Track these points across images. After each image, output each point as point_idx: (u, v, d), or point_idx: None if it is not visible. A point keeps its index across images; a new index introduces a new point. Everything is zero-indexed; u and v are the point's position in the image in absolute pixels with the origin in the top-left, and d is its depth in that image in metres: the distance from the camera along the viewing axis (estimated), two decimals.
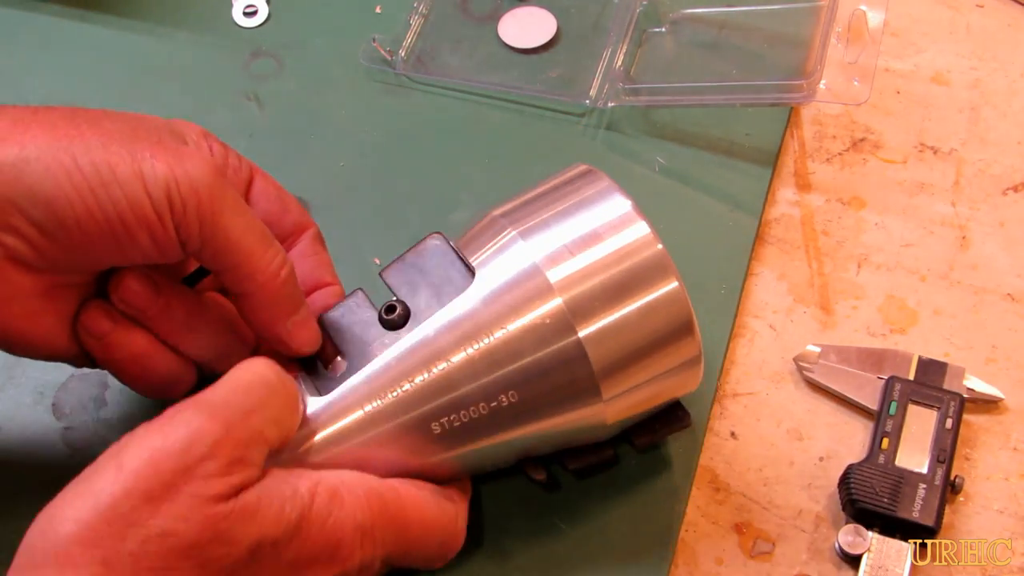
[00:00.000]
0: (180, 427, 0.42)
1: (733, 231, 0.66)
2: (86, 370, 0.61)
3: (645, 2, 0.73)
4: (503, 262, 0.51)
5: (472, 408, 0.49)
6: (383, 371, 0.50)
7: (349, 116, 0.72)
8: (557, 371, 0.50)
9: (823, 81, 0.65)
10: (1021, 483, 0.58)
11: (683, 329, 0.51)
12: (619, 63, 0.71)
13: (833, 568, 0.56)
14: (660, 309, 0.50)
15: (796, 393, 0.61)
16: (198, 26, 0.75)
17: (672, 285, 0.50)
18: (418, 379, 0.49)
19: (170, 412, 0.43)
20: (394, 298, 0.52)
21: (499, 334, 0.49)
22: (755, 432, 0.60)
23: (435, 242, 0.53)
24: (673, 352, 0.51)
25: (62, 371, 0.61)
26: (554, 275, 0.50)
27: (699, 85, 0.69)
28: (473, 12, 0.75)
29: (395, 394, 0.49)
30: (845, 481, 0.56)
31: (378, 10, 0.75)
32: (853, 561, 0.55)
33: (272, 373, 0.46)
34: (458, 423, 0.49)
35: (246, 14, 0.76)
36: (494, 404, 0.49)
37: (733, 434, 0.60)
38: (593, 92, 0.70)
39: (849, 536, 0.55)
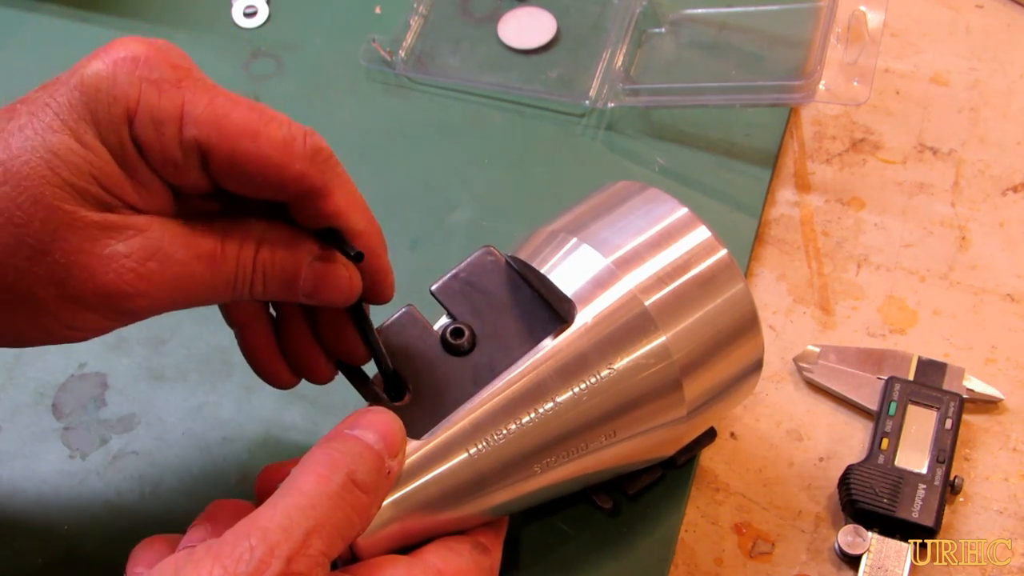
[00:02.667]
0: (241, 559, 0.41)
1: (733, 231, 0.66)
2: (86, 370, 0.61)
3: (644, 3, 0.73)
4: (601, 295, 0.49)
5: (572, 447, 0.48)
6: (488, 410, 0.47)
7: (349, 116, 0.72)
8: (651, 404, 0.49)
9: (823, 82, 0.65)
10: (1021, 483, 0.58)
11: (755, 365, 0.53)
12: (619, 63, 0.71)
13: (833, 568, 0.56)
14: (742, 347, 0.52)
15: (796, 393, 0.61)
16: (198, 26, 0.75)
17: (759, 336, 0.52)
18: (525, 420, 0.48)
19: (231, 539, 0.42)
20: (456, 321, 0.50)
21: (605, 373, 0.48)
22: (755, 432, 0.60)
23: (489, 258, 0.52)
24: (743, 376, 0.52)
25: (62, 371, 0.61)
26: (655, 310, 0.49)
27: (699, 86, 0.69)
28: (473, 13, 0.75)
29: (501, 436, 0.47)
30: (845, 481, 0.56)
31: (378, 11, 0.75)
32: (853, 561, 0.55)
33: (336, 482, 0.44)
34: (556, 464, 0.49)
35: (246, 15, 0.76)
36: (594, 442, 0.49)
37: (733, 434, 0.60)
38: (593, 92, 0.70)
39: (849, 536, 0.55)
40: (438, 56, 0.73)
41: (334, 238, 0.46)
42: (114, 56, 0.43)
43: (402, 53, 0.73)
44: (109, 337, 0.62)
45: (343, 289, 0.47)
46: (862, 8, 0.68)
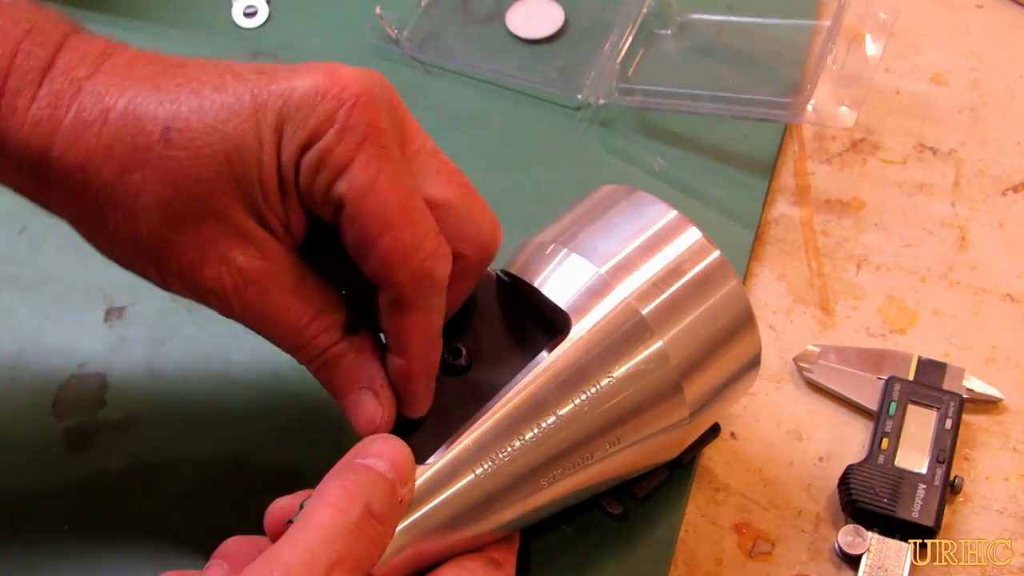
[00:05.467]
0: None
1: (732, 231, 0.66)
2: (86, 370, 0.61)
3: (652, 3, 0.73)
4: (596, 305, 0.49)
5: (578, 458, 0.48)
6: (491, 429, 0.47)
7: None
8: (653, 409, 0.49)
9: (812, 103, 0.65)
10: (1021, 483, 0.58)
11: (753, 361, 0.53)
12: (618, 61, 0.71)
13: (833, 568, 0.56)
14: (740, 344, 0.52)
15: (796, 393, 0.61)
16: (198, 26, 0.75)
17: (755, 332, 0.52)
18: (529, 436, 0.47)
19: (254, 575, 0.41)
20: (452, 341, 0.50)
21: (604, 382, 0.48)
22: (755, 432, 0.60)
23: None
24: (742, 373, 0.53)
25: (62, 371, 0.61)
26: (651, 316, 0.49)
27: (691, 92, 0.69)
28: (473, 12, 0.75)
29: (506, 454, 0.47)
30: (845, 481, 0.56)
31: (378, 10, 0.75)
32: (853, 561, 0.55)
33: (354, 514, 0.43)
34: (563, 476, 0.48)
35: (246, 15, 0.76)
36: (599, 452, 0.49)
37: (733, 434, 0.60)
38: (587, 88, 0.70)
39: (849, 536, 0.55)
40: (444, 39, 0.73)
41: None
42: (328, 84, 0.44)
43: (406, 33, 0.73)
44: (109, 337, 0.63)
45: (368, 427, 0.48)
46: (864, 33, 0.67)
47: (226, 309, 0.47)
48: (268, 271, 0.46)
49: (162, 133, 0.43)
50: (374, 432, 0.48)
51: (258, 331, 0.48)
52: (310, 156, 0.44)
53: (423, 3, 0.74)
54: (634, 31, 0.72)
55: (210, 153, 0.43)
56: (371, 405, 0.48)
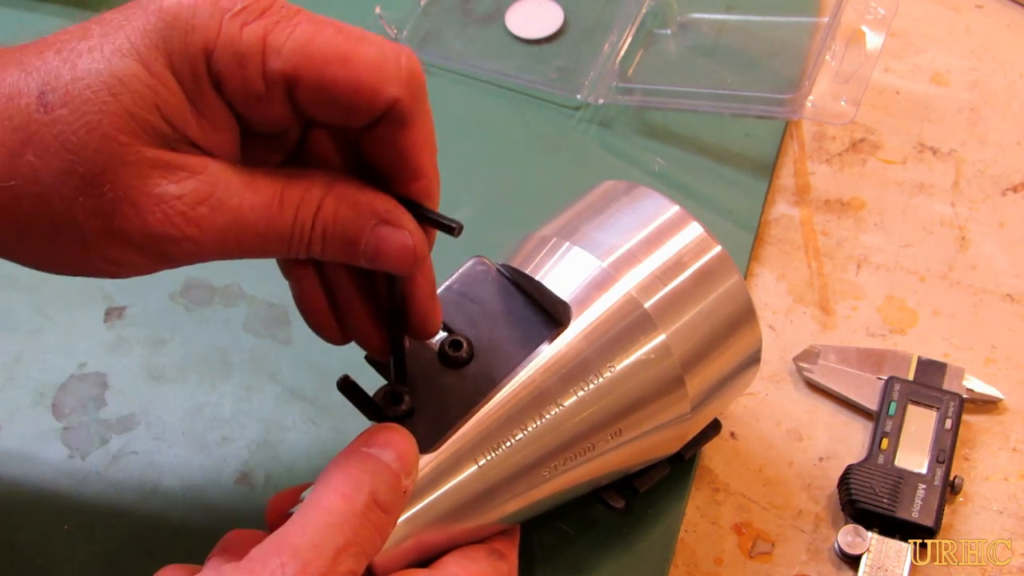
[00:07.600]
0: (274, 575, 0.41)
1: (732, 232, 0.66)
2: (86, 370, 0.61)
3: (652, 2, 0.73)
4: (599, 297, 0.49)
5: (580, 450, 0.48)
6: (493, 420, 0.47)
7: None
8: (655, 402, 0.49)
9: (811, 98, 0.65)
10: (1020, 483, 0.58)
11: (754, 356, 0.53)
12: (618, 61, 0.71)
13: (833, 568, 0.56)
14: (741, 340, 0.52)
15: (796, 393, 0.61)
16: None
17: (756, 328, 0.52)
18: (531, 427, 0.47)
19: (260, 556, 0.41)
20: (453, 333, 0.49)
21: (606, 374, 0.48)
22: (755, 432, 0.60)
23: (481, 267, 0.51)
24: (743, 368, 0.53)
25: (62, 371, 0.61)
26: (653, 309, 0.49)
27: (689, 91, 0.69)
28: (473, 12, 0.75)
29: (508, 444, 0.47)
30: (844, 481, 0.56)
31: (377, 10, 0.75)
32: (853, 561, 0.55)
33: (360, 501, 0.43)
34: (565, 468, 0.48)
35: None
36: (601, 444, 0.49)
37: (733, 434, 0.60)
38: (586, 88, 0.70)
39: (849, 536, 0.55)
40: (443, 39, 0.73)
41: (423, 213, 0.44)
42: None
43: (406, 32, 0.73)
44: (109, 337, 0.63)
45: (407, 256, 0.44)
46: (863, 28, 0.68)
47: (195, 248, 0.42)
48: (208, 182, 0.41)
49: (38, 100, 0.40)
50: (417, 262, 0.45)
51: (244, 252, 0.43)
52: (222, 60, 0.40)
53: (422, 3, 0.75)
54: (634, 31, 0.72)
55: (90, 96, 0.39)
56: (395, 234, 0.44)
